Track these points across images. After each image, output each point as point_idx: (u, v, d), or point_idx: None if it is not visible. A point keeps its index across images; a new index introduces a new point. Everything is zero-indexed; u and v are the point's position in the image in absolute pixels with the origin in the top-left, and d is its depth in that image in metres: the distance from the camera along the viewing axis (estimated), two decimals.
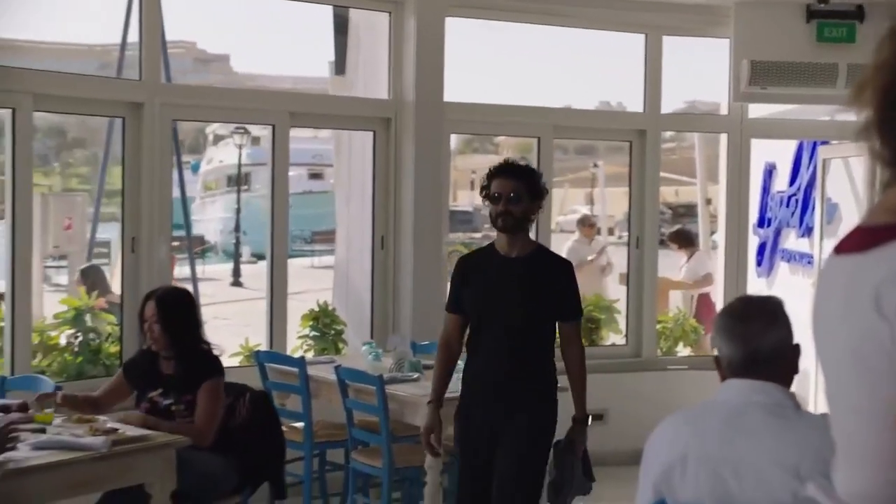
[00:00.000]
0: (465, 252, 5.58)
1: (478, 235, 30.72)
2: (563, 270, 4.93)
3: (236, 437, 5.31)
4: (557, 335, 5.01)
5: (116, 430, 4.76)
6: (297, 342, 7.53)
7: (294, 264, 11.91)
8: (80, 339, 6.80)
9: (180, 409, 5.16)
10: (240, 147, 25.75)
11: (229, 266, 24.53)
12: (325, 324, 7.59)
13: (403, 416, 6.10)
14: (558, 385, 4.95)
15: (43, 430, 4.72)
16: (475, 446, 4.90)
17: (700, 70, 12.38)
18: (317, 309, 7.64)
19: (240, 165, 26.42)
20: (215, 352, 5.32)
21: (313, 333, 7.57)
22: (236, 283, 23.22)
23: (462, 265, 5.05)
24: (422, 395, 5.92)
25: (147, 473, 4.72)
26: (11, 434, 4.33)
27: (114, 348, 6.85)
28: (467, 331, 5.00)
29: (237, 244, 24.70)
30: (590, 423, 5.02)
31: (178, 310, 5.23)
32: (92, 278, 8.36)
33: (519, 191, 4.83)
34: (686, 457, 2.93)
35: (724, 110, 8.81)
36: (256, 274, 23.55)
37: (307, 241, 26.11)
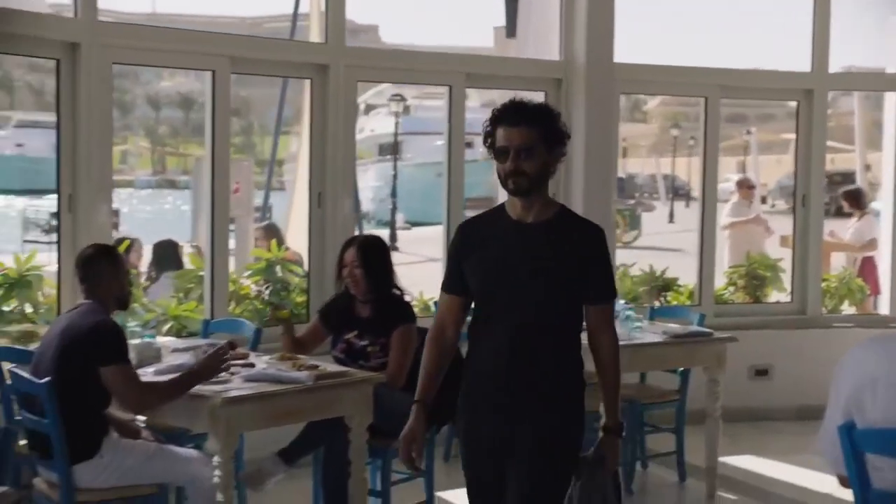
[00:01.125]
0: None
1: (630, 202, 30.76)
2: (593, 239, 3.73)
3: None
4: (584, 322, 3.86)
5: (317, 366, 5.12)
6: None
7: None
8: (270, 288, 7.21)
9: (375, 350, 5.49)
10: (396, 115, 26.31)
11: (385, 233, 25.11)
12: None
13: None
14: (585, 385, 3.81)
15: (252, 366, 5.11)
16: (481, 460, 3.84)
17: (861, 31, 12.25)
18: None
19: (396, 133, 26.99)
20: (407, 298, 5.63)
21: None
22: (392, 248, 23.76)
23: (463, 233, 3.84)
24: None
25: (347, 407, 5.05)
26: (224, 357, 4.74)
27: (300, 298, 7.25)
28: (467, 317, 3.90)
29: (393, 210, 25.28)
30: (624, 433, 3.86)
31: (378, 255, 5.57)
32: (274, 234, 8.81)
33: (532, 141, 3.63)
34: (876, 380, 3.11)
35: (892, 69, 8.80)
36: (411, 240, 24.12)
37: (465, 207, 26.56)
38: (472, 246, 3.77)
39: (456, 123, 7.58)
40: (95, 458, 4.60)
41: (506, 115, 3.68)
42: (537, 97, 7.91)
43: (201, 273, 6.99)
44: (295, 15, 11.64)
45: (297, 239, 8.16)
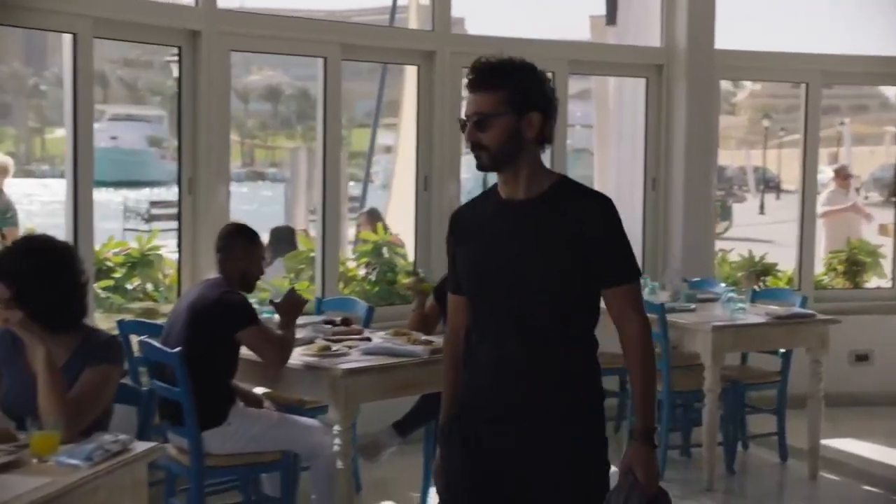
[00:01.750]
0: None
1: (720, 193, 30.56)
2: (598, 212, 3.08)
3: None
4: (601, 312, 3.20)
5: (431, 341, 5.28)
6: None
7: None
8: (377, 270, 7.41)
9: None
10: None
11: None
12: None
13: (682, 344, 6.46)
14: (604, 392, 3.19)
15: (369, 340, 5.31)
16: (477, 484, 3.17)
17: None
18: None
19: None
20: None
21: None
22: None
23: (453, 222, 3.30)
24: (701, 323, 6.29)
25: None
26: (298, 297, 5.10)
27: (406, 280, 7.42)
28: None
29: None
30: (657, 441, 3.14)
31: None
32: (378, 218, 9.02)
33: (490, 107, 3.04)
34: None
35: None
36: None
37: None
38: (460, 236, 3.24)
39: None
40: (223, 426, 4.82)
41: (469, 81, 3.12)
42: (639, 83, 8.04)
43: (312, 254, 7.22)
44: (394, 7, 11.86)
45: (396, 228, 8.35)
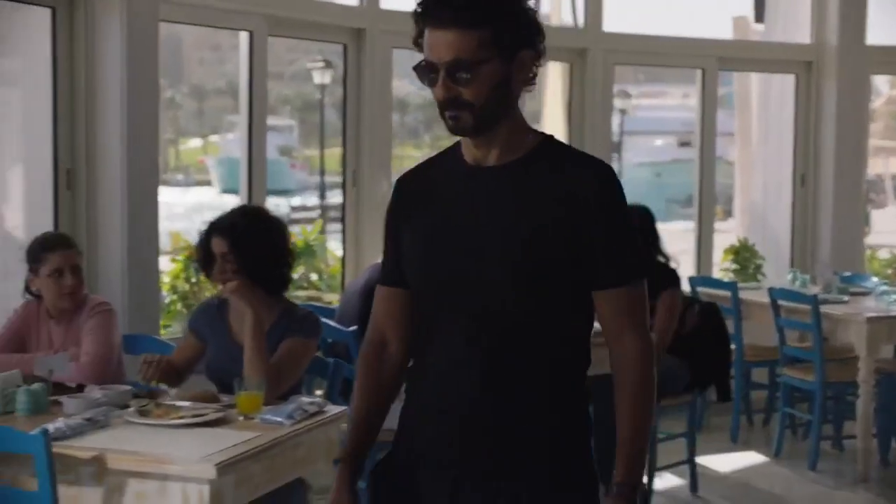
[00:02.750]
0: None
1: None
2: (595, 182, 2.33)
3: (688, 342, 5.88)
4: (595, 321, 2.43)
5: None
6: (719, 275, 8.04)
7: (669, 229, 12.47)
8: None
9: None
10: (622, 112, 26.40)
11: None
12: (744, 258, 8.05)
13: (834, 336, 6.51)
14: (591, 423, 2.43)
15: None
16: None
17: None
18: (737, 244, 8.13)
19: (621, 132, 27.07)
20: (671, 265, 5.91)
21: (734, 267, 8.05)
22: None
23: (398, 192, 2.50)
24: (855, 314, 6.32)
25: None
26: None
27: None
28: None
29: None
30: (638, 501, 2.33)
31: (639, 224, 5.86)
32: None
33: (474, 50, 2.26)
34: None
35: None
36: None
37: (681, 205, 26.48)
38: (407, 210, 2.43)
39: (709, 108, 7.83)
40: (398, 402, 5.03)
41: (432, 12, 2.30)
42: (786, 80, 8.09)
43: None
44: (536, 3, 12.03)
45: None
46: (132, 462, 3.25)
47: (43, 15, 5.13)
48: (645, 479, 5.65)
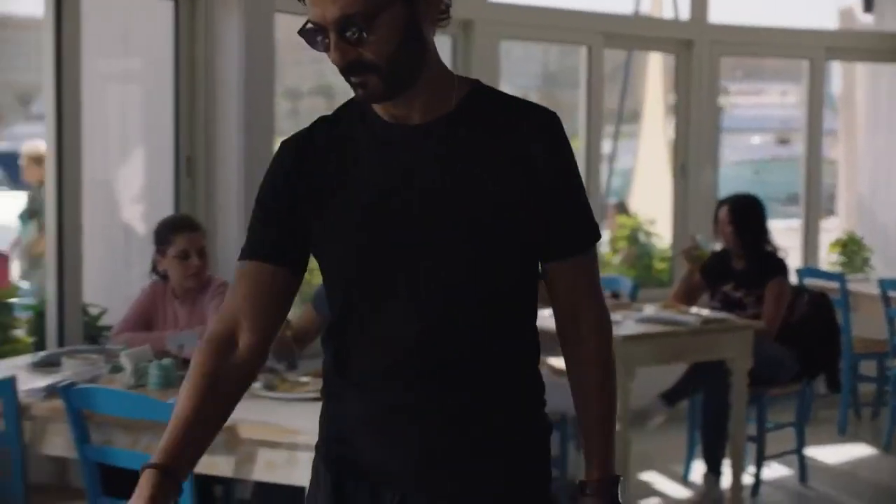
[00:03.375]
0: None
1: None
2: (540, 136, 1.98)
3: (797, 332, 5.86)
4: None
5: (701, 313, 5.46)
6: (826, 268, 7.99)
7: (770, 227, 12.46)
8: (636, 254, 7.64)
9: (750, 301, 5.78)
10: (720, 109, 26.16)
11: None
12: (852, 250, 7.99)
13: None
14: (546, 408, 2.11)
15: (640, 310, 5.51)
16: None
17: None
18: (844, 237, 8.08)
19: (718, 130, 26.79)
20: (780, 254, 5.90)
21: (841, 259, 7.99)
22: None
23: (291, 157, 2.03)
24: None
25: (729, 350, 5.36)
26: None
27: (662, 265, 7.61)
28: (285, 313, 2.07)
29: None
30: (620, 496, 2.06)
31: (748, 213, 5.87)
32: (623, 209, 9.21)
33: (360, 3, 1.85)
34: None
35: None
36: None
37: (782, 203, 26.16)
38: (310, 180, 1.99)
39: (815, 100, 7.79)
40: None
41: None
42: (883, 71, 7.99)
43: None
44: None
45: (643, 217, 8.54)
46: (263, 432, 3.36)
47: (164, 12, 5.29)
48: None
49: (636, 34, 7.42)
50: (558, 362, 5.79)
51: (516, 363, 2.02)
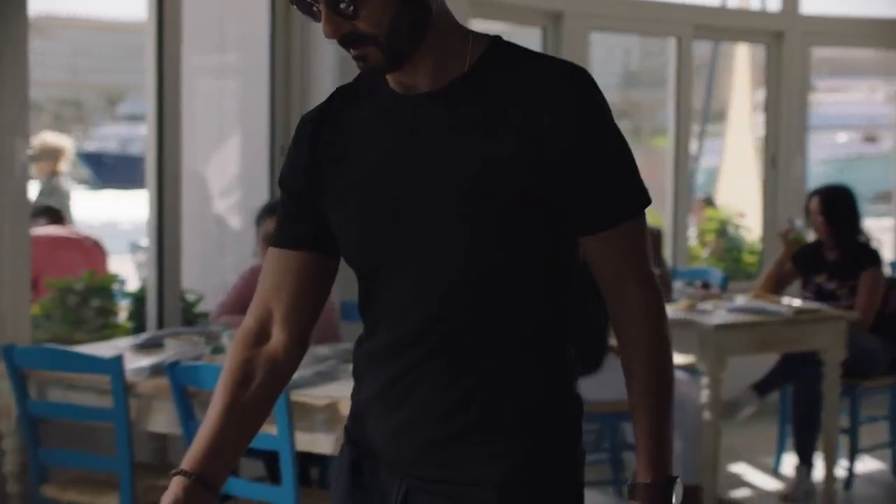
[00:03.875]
0: None
1: None
2: (569, 94, 1.76)
3: (891, 323, 5.80)
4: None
5: (792, 303, 5.43)
6: None
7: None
8: (724, 247, 7.62)
9: (843, 292, 5.74)
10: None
11: None
12: None
13: None
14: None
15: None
16: None
17: None
18: None
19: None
20: (873, 245, 5.84)
21: None
22: None
23: (309, 133, 1.91)
24: None
25: (822, 340, 5.32)
26: None
27: (751, 258, 7.58)
28: (320, 304, 1.96)
29: None
30: (676, 500, 1.81)
31: (840, 204, 5.82)
32: (710, 204, 9.16)
33: None
34: None
35: None
36: None
37: (870, 201, 25.83)
38: (324, 160, 1.88)
39: None
40: (597, 374, 5.11)
41: None
42: None
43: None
44: None
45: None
46: None
47: (260, 3, 5.39)
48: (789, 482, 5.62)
49: (726, 25, 7.39)
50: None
51: (533, 341, 1.81)
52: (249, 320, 1.90)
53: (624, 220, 1.79)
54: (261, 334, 1.89)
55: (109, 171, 19.78)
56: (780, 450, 5.94)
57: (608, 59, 9.19)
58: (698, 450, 5.13)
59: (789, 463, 5.82)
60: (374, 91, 1.85)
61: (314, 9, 1.73)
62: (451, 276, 1.77)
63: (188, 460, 1.78)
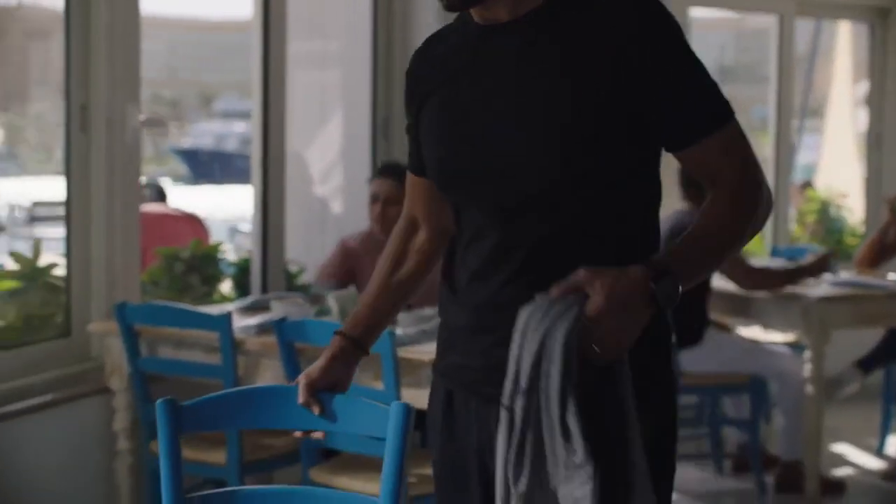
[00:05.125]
0: None
1: None
2: (641, 20, 1.85)
3: None
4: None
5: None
6: None
7: None
8: (826, 228, 7.54)
9: None
10: None
11: None
12: None
13: None
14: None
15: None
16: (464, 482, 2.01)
17: None
18: None
19: None
20: None
21: None
22: None
23: (411, 74, 2.10)
24: None
25: None
26: (828, 263, 5.09)
27: (853, 240, 7.47)
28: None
29: None
30: (674, 294, 1.77)
31: None
32: (807, 185, 9.04)
33: None
34: None
35: None
36: None
37: None
38: (424, 92, 2.03)
39: None
40: (698, 346, 5.08)
41: None
42: None
43: None
44: None
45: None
46: None
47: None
48: None
49: (829, 2, 7.29)
50: (750, 331, 5.76)
51: (617, 259, 1.79)
52: (402, 222, 2.19)
53: (716, 127, 1.85)
54: (409, 230, 2.17)
55: (205, 166, 20.11)
56: (885, 431, 5.84)
57: (703, 56, 9.02)
58: (801, 426, 5.07)
59: (894, 444, 5.73)
60: (459, 29, 1.99)
61: None
62: (520, 201, 1.87)
63: (348, 326, 2.12)
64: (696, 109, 1.85)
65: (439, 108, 1.97)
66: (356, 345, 2.11)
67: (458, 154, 1.93)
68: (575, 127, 1.82)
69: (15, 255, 4.52)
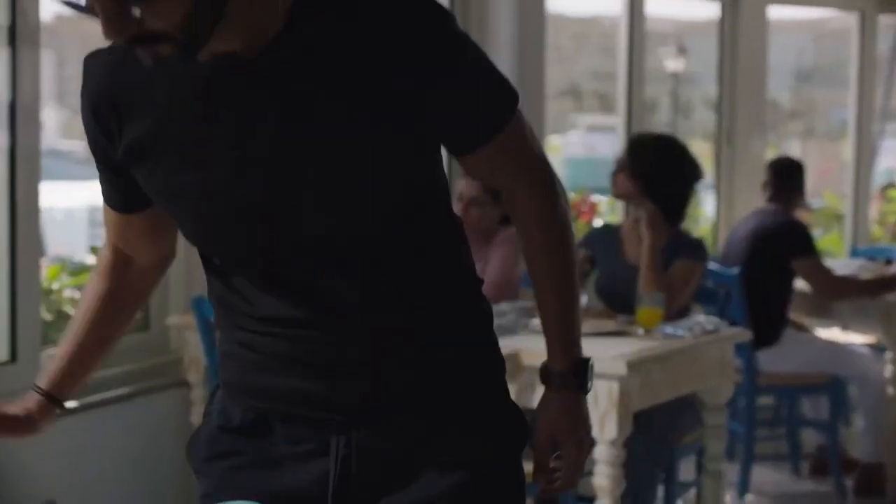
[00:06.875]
0: None
1: None
2: (409, 23, 1.55)
3: None
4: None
5: None
6: None
7: None
8: None
9: None
10: None
11: None
12: None
13: None
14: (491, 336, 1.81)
15: None
16: None
17: None
18: None
19: None
20: None
21: None
22: None
23: (106, 90, 1.62)
24: None
25: None
26: None
27: None
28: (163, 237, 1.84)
29: None
30: (590, 383, 1.77)
31: None
32: (891, 187, 8.90)
33: None
34: None
35: None
36: None
37: None
38: (134, 127, 1.62)
39: None
40: (776, 346, 5.01)
41: None
42: None
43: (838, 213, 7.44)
44: None
45: None
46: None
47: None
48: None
49: None
50: (829, 332, 5.67)
51: (440, 279, 1.70)
52: (109, 257, 1.84)
53: (497, 130, 1.64)
54: (119, 266, 1.85)
55: None
56: None
57: (782, 60, 9.07)
58: (882, 427, 4.99)
59: None
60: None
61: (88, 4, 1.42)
62: (326, 246, 1.59)
63: (49, 375, 1.83)
64: (483, 106, 1.64)
65: (180, 167, 1.59)
66: (52, 399, 1.83)
67: (227, 237, 1.63)
68: (355, 186, 1.56)
69: (95, 250, 4.58)
